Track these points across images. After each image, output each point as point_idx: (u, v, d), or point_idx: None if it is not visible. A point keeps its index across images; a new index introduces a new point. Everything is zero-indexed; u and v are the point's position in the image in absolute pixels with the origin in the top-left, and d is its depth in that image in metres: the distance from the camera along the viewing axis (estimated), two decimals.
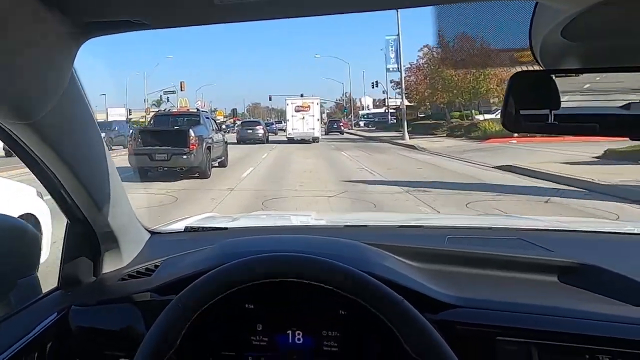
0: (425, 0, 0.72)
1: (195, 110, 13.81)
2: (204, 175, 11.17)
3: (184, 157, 10.73)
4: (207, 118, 13.26)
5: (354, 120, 63.83)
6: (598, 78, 0.77)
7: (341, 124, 43.10)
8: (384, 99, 52.31)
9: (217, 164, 12.94)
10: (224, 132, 13.75)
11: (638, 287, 0.91)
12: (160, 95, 50.76)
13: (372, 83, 54.30)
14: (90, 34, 0.75)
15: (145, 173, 10.73)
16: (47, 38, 0.69)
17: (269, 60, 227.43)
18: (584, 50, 0.75)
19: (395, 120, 44.77)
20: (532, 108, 0.73)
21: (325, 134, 36.81)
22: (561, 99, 0.72)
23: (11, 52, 0.63)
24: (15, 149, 0.85)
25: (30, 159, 0.87)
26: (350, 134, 39.50)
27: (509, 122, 0.75)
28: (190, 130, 11.04)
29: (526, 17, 0.73)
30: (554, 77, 0.74)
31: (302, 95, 37.56)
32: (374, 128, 48.09)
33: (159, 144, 10.82)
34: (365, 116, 64.93)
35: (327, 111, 77.14)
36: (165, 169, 10.92)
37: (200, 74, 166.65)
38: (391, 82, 42.34)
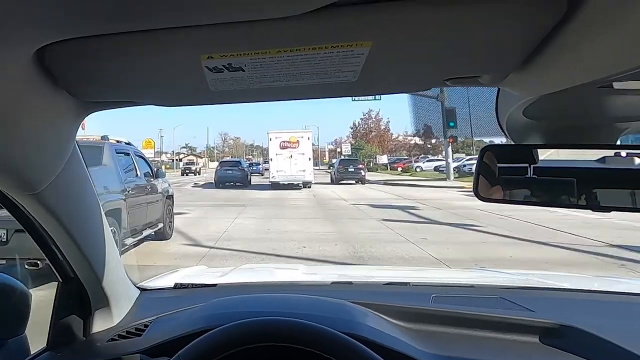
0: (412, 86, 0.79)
1: (99, 139, 6.89)
2: None
3: None
4: (126, 154, 7.23)
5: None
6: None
7: (360, 166, 26.06)
8: None
9: (152, 232, 7.33)
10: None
11: (615, 351, 0.94)
12: None
13: None
14: (93, 109, 0.81)
15: None
16: (52, 116, 0.72)
17: None
18: (545, 128, 0.84)
19: None
20: (512, 163, 0.84)
21: (334, 183, 24.85)
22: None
23: (18, 129, 0.65)
24: (16, 214, 0.87)
25: (29, 222, 0.90)
26: None
27: (484, 190, 0.83)
28: None
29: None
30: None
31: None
32: None
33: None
34: None
35: (329, 145, 44.34)
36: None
37: None
38: None
